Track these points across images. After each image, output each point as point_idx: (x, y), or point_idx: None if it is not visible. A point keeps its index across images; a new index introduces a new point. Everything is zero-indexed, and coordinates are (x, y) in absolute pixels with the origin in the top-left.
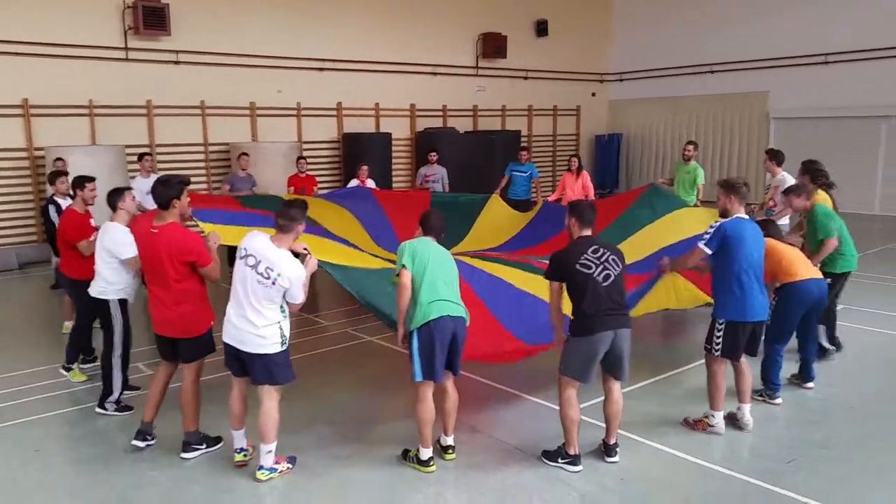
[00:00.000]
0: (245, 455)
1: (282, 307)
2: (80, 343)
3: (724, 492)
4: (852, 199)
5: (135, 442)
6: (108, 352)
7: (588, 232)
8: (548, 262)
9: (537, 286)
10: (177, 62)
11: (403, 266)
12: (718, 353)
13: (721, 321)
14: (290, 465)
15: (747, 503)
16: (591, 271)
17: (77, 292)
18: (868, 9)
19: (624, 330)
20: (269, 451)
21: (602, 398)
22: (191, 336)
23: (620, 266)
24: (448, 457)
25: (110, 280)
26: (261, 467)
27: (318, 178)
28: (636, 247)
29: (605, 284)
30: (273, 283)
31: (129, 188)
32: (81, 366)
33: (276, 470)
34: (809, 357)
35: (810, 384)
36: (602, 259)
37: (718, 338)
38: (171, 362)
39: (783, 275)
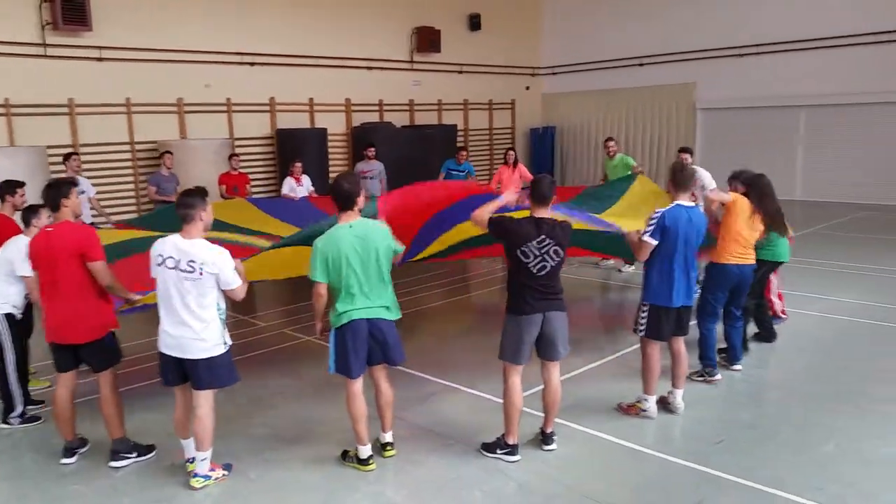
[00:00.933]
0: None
1: (218, 305)
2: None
3: (657, 475)
4: (775, 186)
5: (65, 460)
6: (1, 368)
7: (543, 212)
8: (497, 215)
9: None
10: (100, 59)
11: (317, 281)
12: (643, 333)
13: (646, 304)
14: (225, 472)
15: (680, 484)
16: (528, 260)
17: None
18: (791, 1)
19: (554, 313)
20: (205, 459)
21: (541, 387)
22: (92, 339)
23: (560, 257)
24: (387, 454)
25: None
26: (195, 475)
27: (252, 176)
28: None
29: (538, 274)
30: (201, 274)
31: (43, 206)
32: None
33: (210, 477)
34: (735, 340)
35: (737, 366)
36: (543, 250)
37: (643, 319)
38: (68, 373)
39: (714, 253)
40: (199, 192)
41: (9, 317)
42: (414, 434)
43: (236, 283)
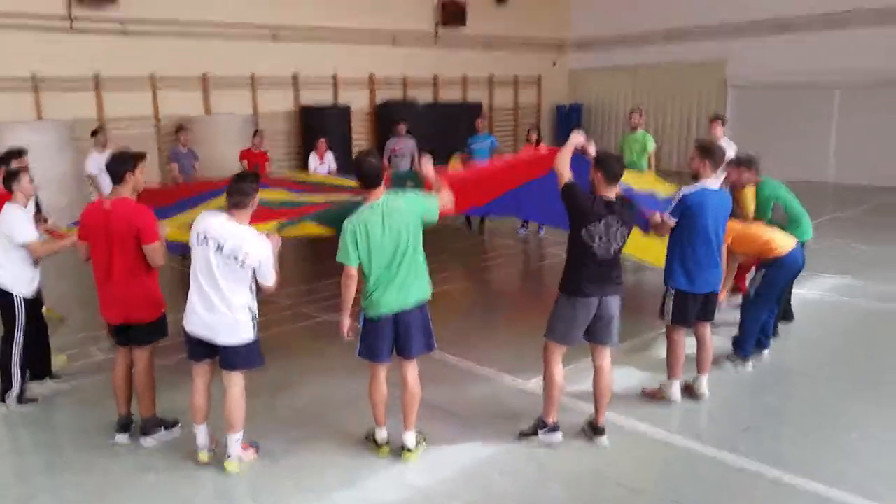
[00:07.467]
0: (211, 454)
1: (251, 288)
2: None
3: (683, 461)
4: (807, 168)
5: (119, 437)
6: (7, 345)
7: (611, 191)
8: (574, 182)
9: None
10: (124, 32)
11: (346, 263)
12: (669, 320)
13: (672, 290)
14: (255, 453)
15: (706, 471)
16: (593, 243)
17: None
18: None
19: (611, 297)
20: (238, 440)
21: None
22: (143, 322)
23: (626, 239)
24: (406, 456)
25: (13, 272)
26: (229, 456)
27: (276, 154)
28: None
29: (603, 257)
30: (242, 266)
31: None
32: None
33: (243, 460)
34: (766, 325)
35: (765, 351)
36: (610, 233)
37: (669, 305)
38: (126, 347)
39: (770, 252)
40: (255, 179)
41: (26, 298)
42: (444, 417)
43: (272, 281)
